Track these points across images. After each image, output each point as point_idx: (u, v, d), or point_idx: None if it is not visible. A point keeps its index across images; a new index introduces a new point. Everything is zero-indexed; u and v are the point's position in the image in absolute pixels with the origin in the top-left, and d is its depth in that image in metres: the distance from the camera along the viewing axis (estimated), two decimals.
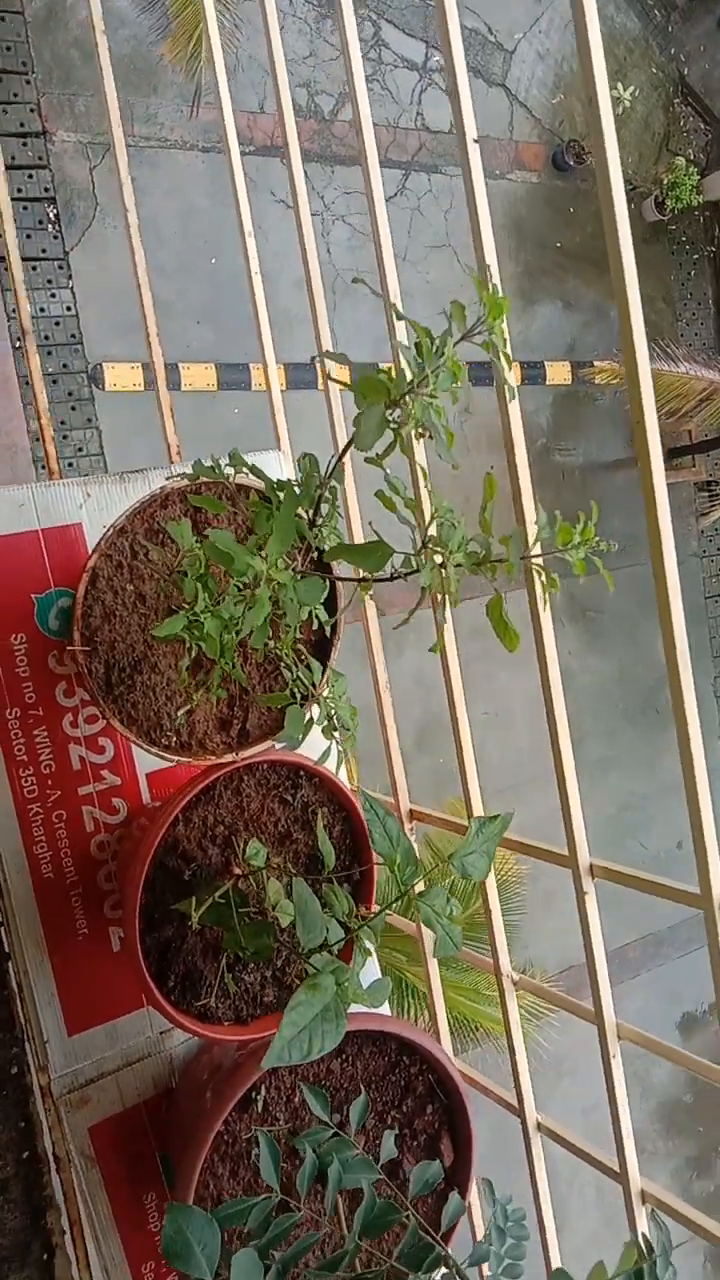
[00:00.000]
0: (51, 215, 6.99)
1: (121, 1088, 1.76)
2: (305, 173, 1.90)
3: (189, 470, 1.41)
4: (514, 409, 1.36)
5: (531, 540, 1.12)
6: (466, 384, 1.12)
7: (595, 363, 9.00)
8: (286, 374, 7.21)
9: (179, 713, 1.40)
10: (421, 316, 1.07)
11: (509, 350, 1.17)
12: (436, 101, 8.50)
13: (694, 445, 9.41)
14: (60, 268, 6.98)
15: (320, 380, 7.54)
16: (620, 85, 9.11)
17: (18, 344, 6.59)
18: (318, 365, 1.69)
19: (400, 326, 1.54)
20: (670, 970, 9.46)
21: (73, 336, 6.91)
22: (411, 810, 1.90)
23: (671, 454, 9.52)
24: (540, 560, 1.22)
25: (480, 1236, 1.49)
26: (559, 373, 9.06)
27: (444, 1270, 1.31)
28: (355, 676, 2.08)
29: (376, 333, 7.85)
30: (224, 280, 7.29)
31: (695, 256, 9.92)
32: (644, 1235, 1.44)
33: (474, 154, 1.29)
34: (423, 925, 1.88)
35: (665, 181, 9.24)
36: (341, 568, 1.28)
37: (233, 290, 7.23)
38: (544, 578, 1.14)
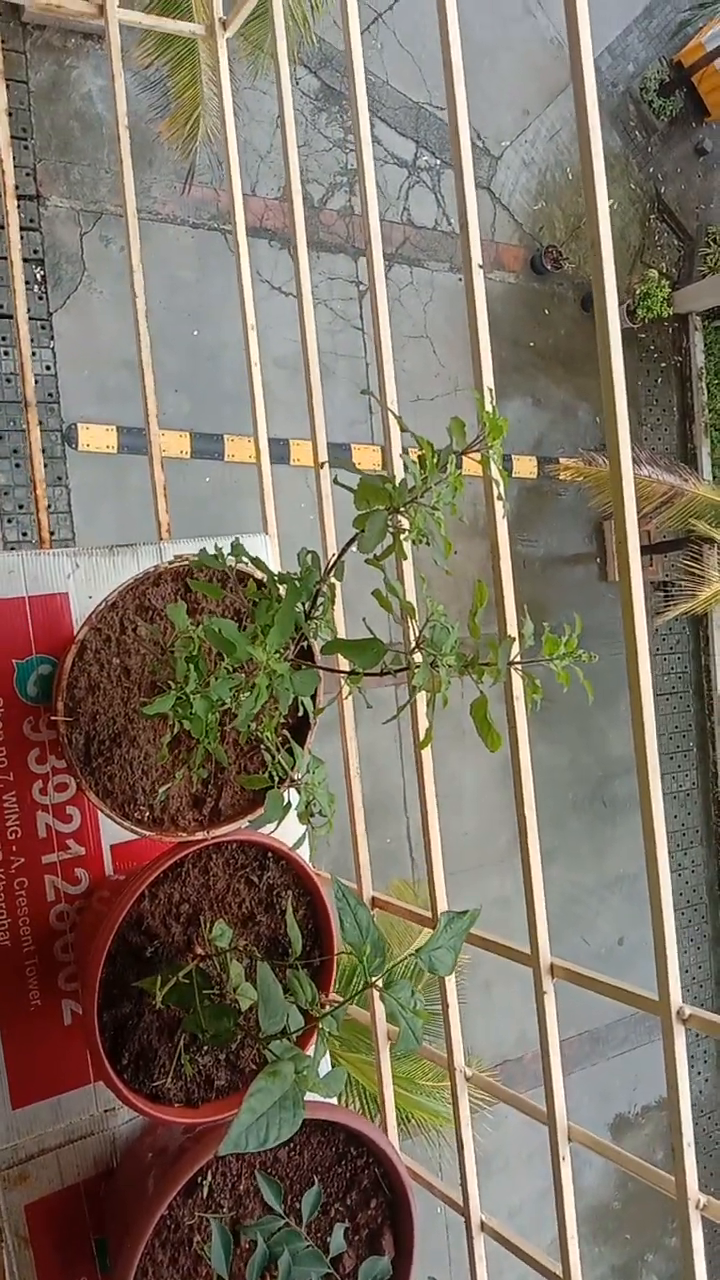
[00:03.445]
0: (39, 276, 7.12)
1: (62, 1165, 1.72)
2: (292, 255, 1.98)
3: (182, 549, 1.44)
4: (503, 527, 1.42)
5: (517, 648, 1.17)
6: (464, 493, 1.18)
7: (561, 459, 9.27)
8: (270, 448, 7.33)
9: (160, 789, 1.42)
10: (398, 404, 1.13)
11: (504, 469, 1.23)
12: (422, 198, 8.83)
13: (652, 546, 9.67)
14: (43, 328, 7.08)
15: (290, 456, 7.66)
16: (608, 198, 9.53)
17: None
18: (316, 463, 1.74)
19: (396, 429, 1.60)
20: (605, 1069, 9.38)
21: (50, 395, 6.99)
22: (374, 898, 1.91)
23: None
24: (520, 667, 1.27)
25: None
26: (525, 466, 9.30)
27: None
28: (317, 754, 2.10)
29: (352, 414, 8.03)
30: (204, 352, 7.44)
31: (663, 365, 10.31)
32: None
33: (479, 280, 1.37)
34: (381, 1017, 1.88)
35: (638, 292, 9.64)
36: (332, 659, 1.32)
37: (212, 363, 7.37)
38: (527, 683, 1.18)
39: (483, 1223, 1.67)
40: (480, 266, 1.38)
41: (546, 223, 9.52)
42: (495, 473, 1.17)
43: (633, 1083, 9.56)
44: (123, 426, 7.16)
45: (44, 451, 6.94)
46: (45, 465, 6.95)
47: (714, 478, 10.26)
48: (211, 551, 1.25)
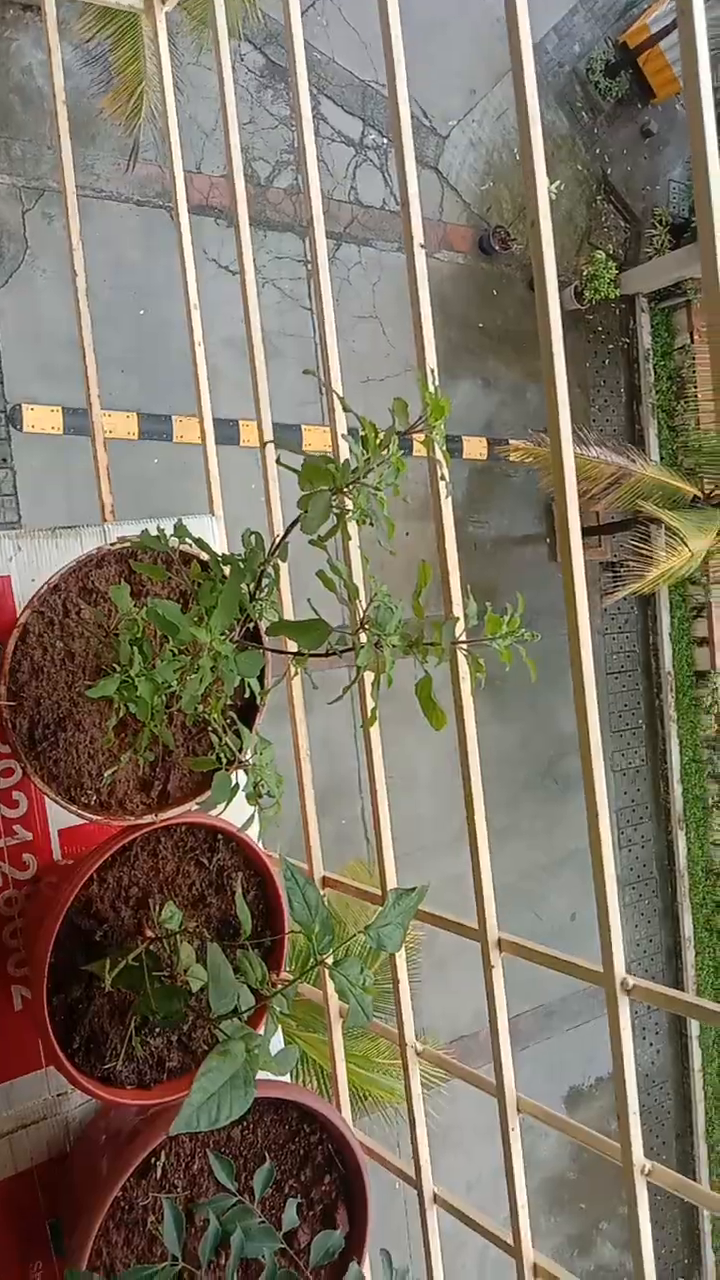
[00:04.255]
0: None
1: (14, 1150, 1.72)
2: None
3: (125, 531, 1.43)
4: (447, 507, 1.43)
5: (460, 628, 1.18)
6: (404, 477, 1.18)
7: (511, 440, 9.31)
8: (216, 429, 7.27)
9: (105, 774, 1.41)
10: (346, 385, 1.13)
11: (446, 449, 1.23)
12: (370, 177, 8.78)
13: (600, 526, 9.76)
14: None
15: (240, 437, 7.61)
16: (547, 178, 9.54)
17: None
18: (261, 443, 1.74)
19: (340, 412, 1.60)
20: (558, 1043, 9.53)
21: None
22: (325, 878, 1.92)
23: None
24: (466, 647, 1.28)
25: None
26: (476, 448, 9.33)
27: None
28: (270, 738, 2.10)
29: (302, 395, 7.98)
30: (151, 331, 7.35)
31: (610, 346, 10.39)
32: None
33: (420, 260, 1.37)
34: (333, 994, 1.89)
35: (585, 273, 9.69)
36: (278, 640, 1.32)
37: (159, 342, 7.29)
38: (471, 664, 1.19)
39: (435, 1195, 1.70)
40: (422, 246, 1.38)
41: (494, 203, 9.52)
42: (438, 453, 1.18)
43: (587, 1055, 9.72)
44: (68, 407, 7.06)
45: None
46: None
47: (660, 459, 10.37)
48: (154, 533, 1.24)
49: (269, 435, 1.81)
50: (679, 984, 10.89)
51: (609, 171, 10.33)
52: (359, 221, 8.68)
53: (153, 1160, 1.56)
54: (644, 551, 9.15)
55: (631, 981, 1.30)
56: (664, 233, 10.46)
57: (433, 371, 1.34)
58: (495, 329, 9.39)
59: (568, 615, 1.30)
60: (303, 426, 8.03)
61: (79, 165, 7.35)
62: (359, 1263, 1.62)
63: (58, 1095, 1.77)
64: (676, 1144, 11.00)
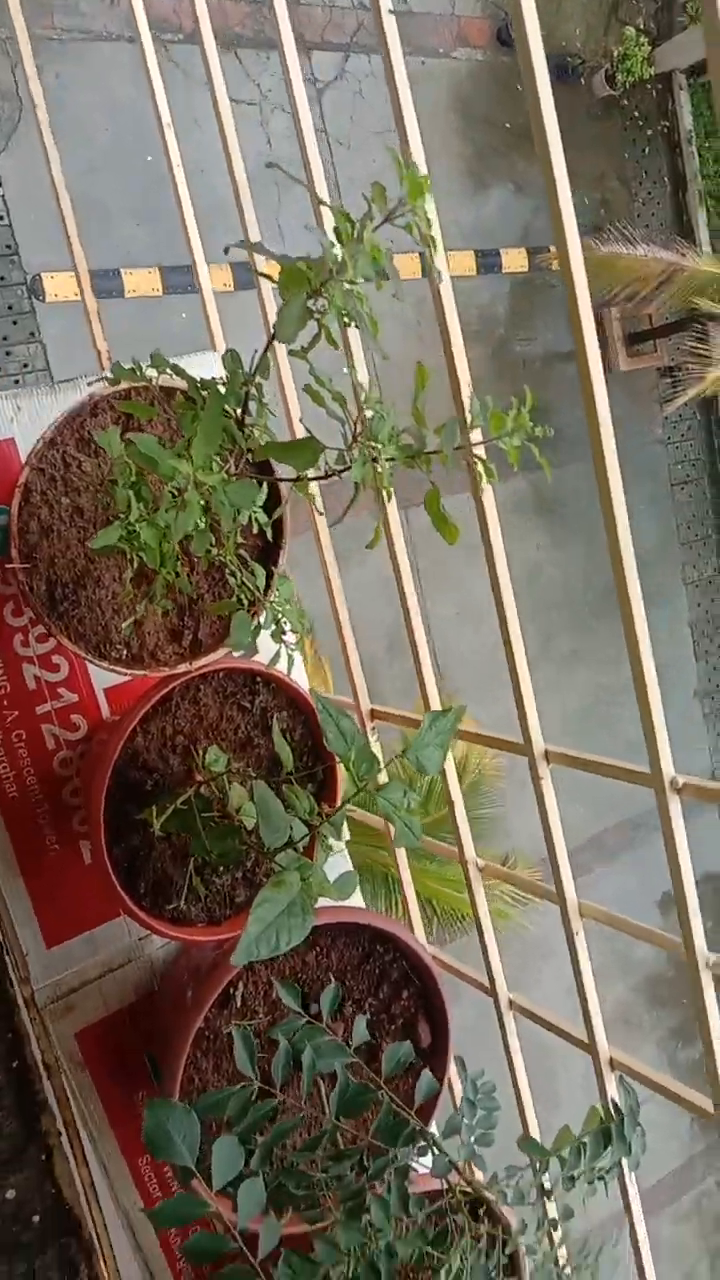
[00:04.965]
0: None
1: (104, 994, 1.80)
2: (239, 59, 1.80)
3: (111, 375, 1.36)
4: (446, 293, 1.32)
5: (466, 429, 1.10)
6: (394, 269, 1.09)
7: (551, 248, 8.81)
8: (234, 273, 7.00)
9: (124, 625, 1.39)
10: (360, 206, 1.03)
11: (436, 232, 1.13)
12: None
13: (654, 330, 9.28)
14: None
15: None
16: None
17: None
18: (255, 272, 1.64)
19: (327, 214, 1.48)
20: (649, 853, 9.72)
21: (8, 247, 6.66)
22: (372, 710, 1.91)
23: (632, 339, 9.38)
24: (479, 450, 1.21)
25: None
26: (515, 260, 8.86)
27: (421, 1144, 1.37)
28: (317, 585, 2.07)
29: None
30: (162, 177, 7.01)
31: (649, 132, 9.62)
32: (613, 1100, 1.51)
33: (390, 25, 1.23)
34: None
35: (615, 54, 8.89)
36: (280, 469, 1.26)
37: (172, 188, 6.96)
38: (481, 468, 1.13)
39: (510, 1001, 1.75)
40: (391, 12, 1.24)
41: None
42: (429, 236, 1.08)
43: None
44: (88, 270, 6.84)
45: (10, 308, 6.68)
46: (14, 323, 6.70)
47: (713, 249, 9.72)
48: (128, 366, 1.17)
49: (261, 267, 1.70)
50: None
51: None
52: (365, 28, 8.03)
53: (231, 991, 1.62)
54: (702, 352, 8.68)
55: (681, 780, 1.27)
56: None
57: (410, 147, 1.22)
58: (521, 126, 8.74)
59: (589, 426, 1.21)
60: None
61: (62, 6, 6.90)
62: (443, 1073, 1.68)
63: (139, 939, 1.84)
64: None
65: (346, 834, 1.98)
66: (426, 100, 8.01)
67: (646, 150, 9.65)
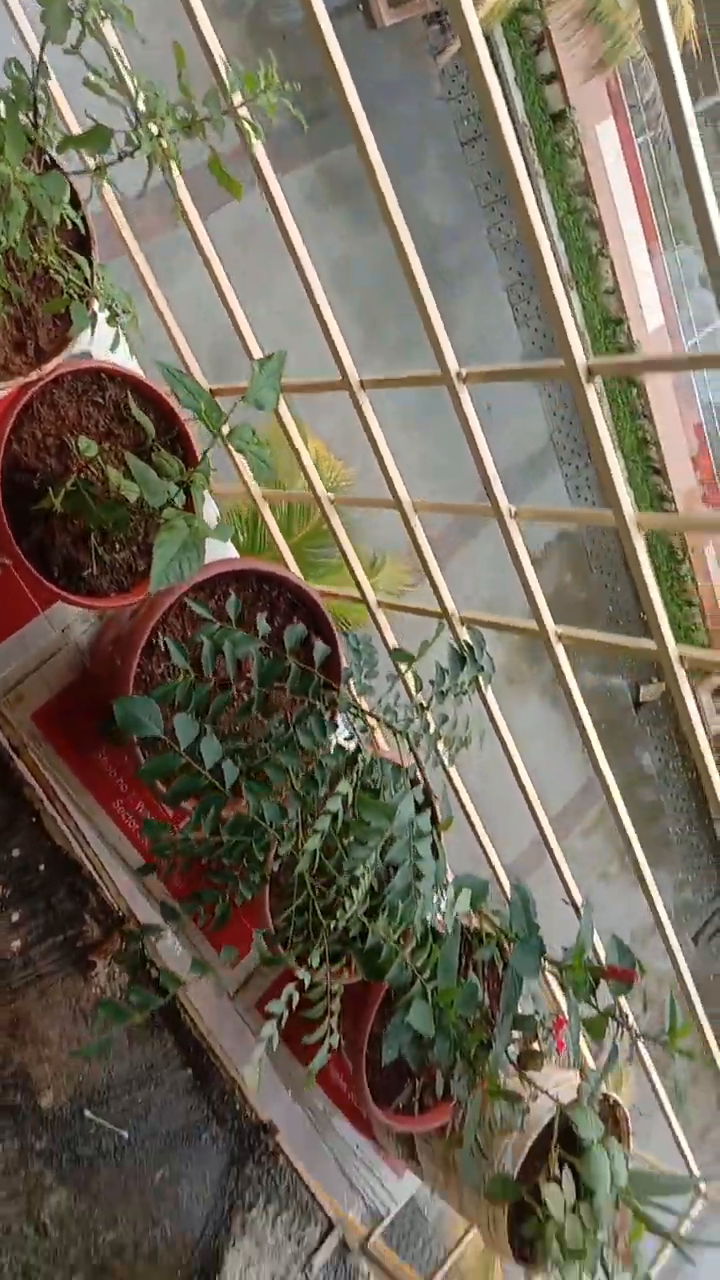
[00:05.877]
0: None
1: (46, 679, 2.11)
2: None
3: None
4: None
5: (228, 91, 1.28)
6: None
7: None
8: None
9: None
10: None
11: None
12: None
13: None
14: None
15: None
16: None
17: None
18: None
19: None
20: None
21: None
22: (213, 389, 2.14)
23: None
24: (244, 113, 1.39)
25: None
26: None
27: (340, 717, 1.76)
28: (143, 305, 2.21)
29: None
30: None
31: None
32: (465, 642, 1.92)
33: None
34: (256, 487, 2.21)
35: None
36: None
37: None
38: (247, 126, 1.31)
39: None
40: None
41: None
42: None
43: None
44: None
45: None
46: None
47: None
48: None
49: None
50: None
51: None
52: None
53: (153, 640, 1.95)
54: None
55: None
56: None
57: None
58: None
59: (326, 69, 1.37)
60: None
61: None
62: (336, 667, 2.07)
63: (62, 630, 2.14)
64: None
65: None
66: None
67: None
